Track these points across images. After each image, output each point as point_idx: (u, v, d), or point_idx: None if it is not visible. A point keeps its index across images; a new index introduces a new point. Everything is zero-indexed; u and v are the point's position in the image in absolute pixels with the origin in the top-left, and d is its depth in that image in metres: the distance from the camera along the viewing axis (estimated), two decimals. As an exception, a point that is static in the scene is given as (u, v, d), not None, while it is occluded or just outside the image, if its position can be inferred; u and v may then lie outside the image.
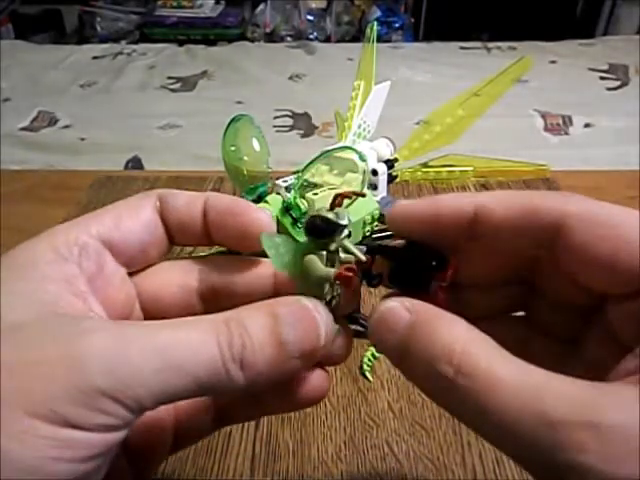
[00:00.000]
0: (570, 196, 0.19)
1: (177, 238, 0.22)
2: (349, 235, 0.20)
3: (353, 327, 0.41)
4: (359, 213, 0.38)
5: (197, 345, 0.17)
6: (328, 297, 0.19)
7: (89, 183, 0.65)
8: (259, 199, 0.36)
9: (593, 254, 0.17)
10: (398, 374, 0.39)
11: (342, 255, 0.19)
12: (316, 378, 0.22)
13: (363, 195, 0.21)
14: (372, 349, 0.40)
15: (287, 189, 0.36)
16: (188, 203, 0.22)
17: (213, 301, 0.22)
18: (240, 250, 0.23)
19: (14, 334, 0.16)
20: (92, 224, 0.20)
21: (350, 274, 0.18)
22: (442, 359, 0.16)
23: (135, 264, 0.22)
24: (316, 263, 0.19)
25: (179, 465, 0.33)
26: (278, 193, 0.37)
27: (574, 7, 2.41)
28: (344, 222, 0.19)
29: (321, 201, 0.37)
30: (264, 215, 0.22)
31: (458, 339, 0.17)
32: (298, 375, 0.21)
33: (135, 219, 0.21)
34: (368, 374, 0.38)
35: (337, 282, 0.19)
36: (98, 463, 0.16)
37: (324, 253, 0.19)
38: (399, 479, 0.32)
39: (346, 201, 0.20)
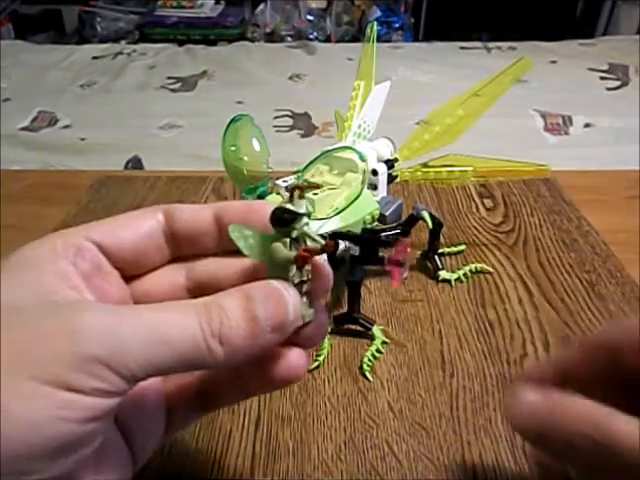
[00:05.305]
0: None
1: (185, 249, 0.25)
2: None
3: (353, 327, 0.41)
4: (359, 213, 0.38)
5: (180, 322, 0.19)
6: (296, 280, 0.22)
7: (89, 183, 0.65)
8: (259, 199, 0.36)
9: None
10: (398, 374, 0.39)
11: (309, 243, 0.22)
12: (294, 356, 0.23)
13: (318, 187, 0.25)
14: (372, 349, 0.39)
15: (287, 189, 0.36)
16: (193, 215, 0.24)
17: (200, 296, 0.23)
18: None
19: (16, 312, 0.18)
20: (90, 231, 0.23)
21: (306, 254, 0.21)
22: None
23: (129, 269, 0.24)
24: (280, 248, 0.21)
25: (179, 465, 0.33)
26: (278, 193, 0.37)
27: (574, 7, 2.41)
28: (302, 211, 0.21)
29: (321, 201, 0.37)
30: None
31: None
32: (276, 353, 0.23)
33: (132, 229, 0.23)
34: (368, 374, 0.38)
35: (299, 262, 0.21)
36: (93, 427, 0.18)
37: (287, 240, 0.21)
38: (399, 479, 0.32)
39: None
